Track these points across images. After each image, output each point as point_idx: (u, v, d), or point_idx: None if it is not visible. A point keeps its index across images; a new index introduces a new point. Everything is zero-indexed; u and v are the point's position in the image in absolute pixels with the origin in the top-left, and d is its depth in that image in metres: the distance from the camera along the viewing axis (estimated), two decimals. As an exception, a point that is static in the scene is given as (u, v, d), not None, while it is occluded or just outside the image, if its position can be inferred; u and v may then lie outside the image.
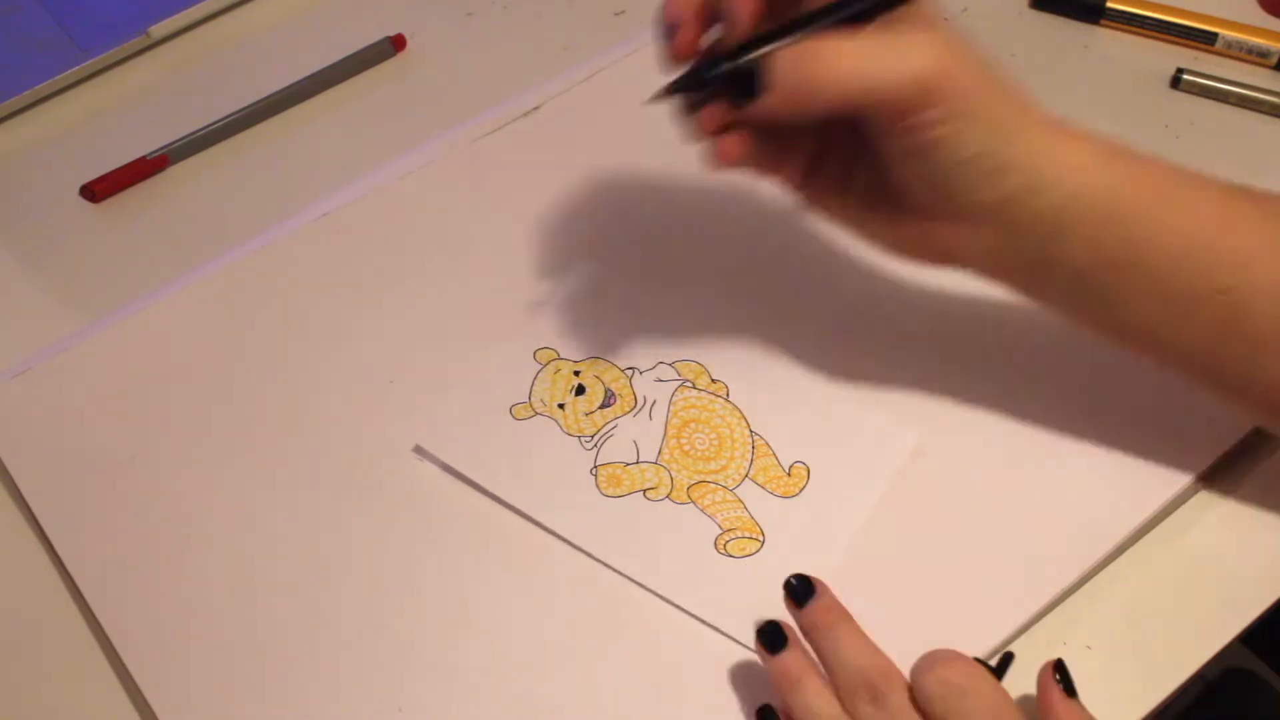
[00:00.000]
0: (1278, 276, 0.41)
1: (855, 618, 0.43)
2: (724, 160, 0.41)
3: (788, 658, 0.41)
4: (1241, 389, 0.43)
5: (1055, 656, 0.43)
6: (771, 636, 0.41)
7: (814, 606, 0.41)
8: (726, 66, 0.38)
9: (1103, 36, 0.62)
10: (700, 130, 0.40)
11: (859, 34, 0.39)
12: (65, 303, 0.56)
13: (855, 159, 0.43)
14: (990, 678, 0.39)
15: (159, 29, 0.63)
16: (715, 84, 0.38)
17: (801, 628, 0.41)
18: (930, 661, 0.39)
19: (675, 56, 0.40)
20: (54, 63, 0.62)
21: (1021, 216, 0.41)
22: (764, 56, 0.37)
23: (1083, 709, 0.40)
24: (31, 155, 0.60)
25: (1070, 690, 0.40)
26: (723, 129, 0.40)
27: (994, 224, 0.41)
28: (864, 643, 0.40)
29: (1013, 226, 0.41)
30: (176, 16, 0.63)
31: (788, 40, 0.38)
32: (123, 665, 0.45)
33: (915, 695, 0.38)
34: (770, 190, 0.56)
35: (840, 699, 0.39)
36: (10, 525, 0.50)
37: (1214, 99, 0.59)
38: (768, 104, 0.38)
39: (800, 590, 0.41)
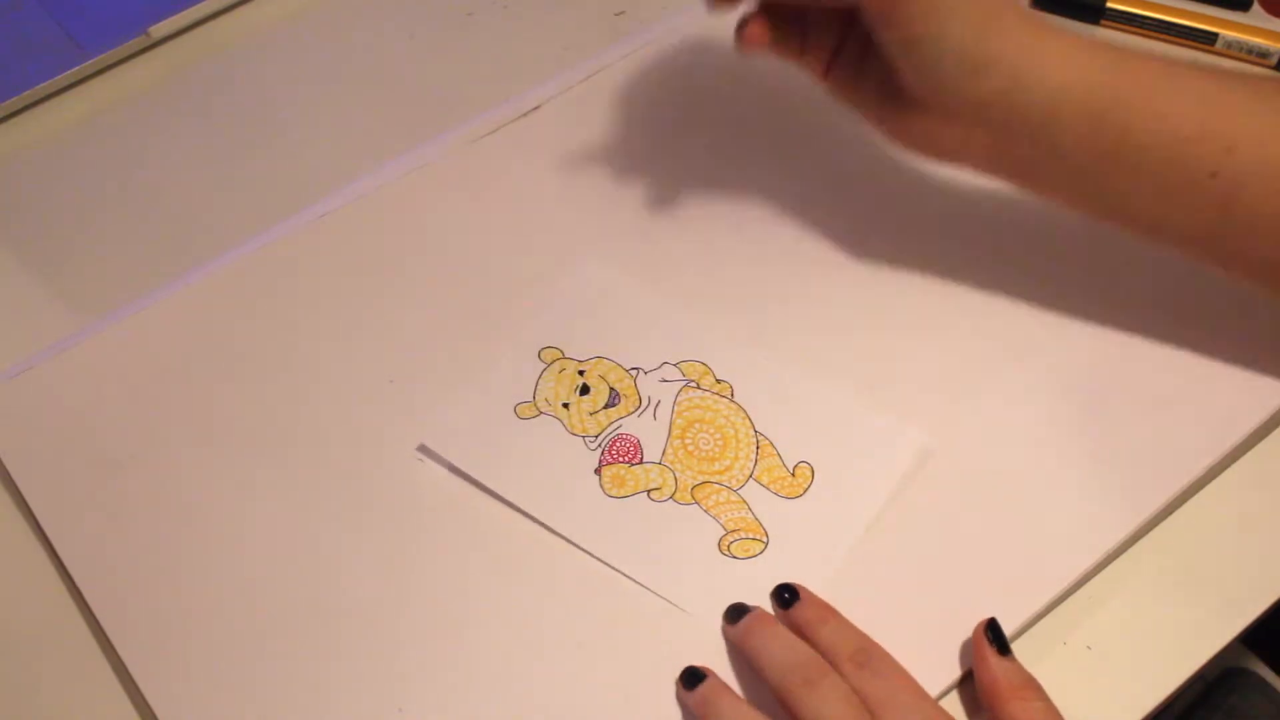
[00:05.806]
0: (1263, 159, 0.42)
1: (857, 618, 0.44)
2: (748, 44, 0.45)
3: (703, 687, 0.43)
4: (1243, 267, 0.45)
5: (1055, 653, 0.43)
6: (689, 677, 0.43)
7: (749, 618, 0.44)
8: None
9: (1103, 37, 0.62)
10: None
11: None
12: (65, 303, 0.56)
13: (868, 53, 0.46)
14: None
15: (159, 29, 0.63)
16: None
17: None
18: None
19: None
20: (54, 63, 0.62)
21: (1010, 113, 0.43)
22: None
23: (1017, 664, 0.42)
24: (31, 155, 0.60)
25: (1003, 649, 0.42)
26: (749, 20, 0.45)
27: (987, 121, 0.43)
28: (795, 640, 0.42)
29: (1004, 123, 0.43)
30: (176, 16, 0.63)
31: None
32: (123, 665, 0.45)
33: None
34: (770, 190, 0.56)
35: (776, 693, 0.41)
36: (10, 525, 0.50)
37: (1214, 100, 0.59)
38: None
39: (737, 610, 0.44)
